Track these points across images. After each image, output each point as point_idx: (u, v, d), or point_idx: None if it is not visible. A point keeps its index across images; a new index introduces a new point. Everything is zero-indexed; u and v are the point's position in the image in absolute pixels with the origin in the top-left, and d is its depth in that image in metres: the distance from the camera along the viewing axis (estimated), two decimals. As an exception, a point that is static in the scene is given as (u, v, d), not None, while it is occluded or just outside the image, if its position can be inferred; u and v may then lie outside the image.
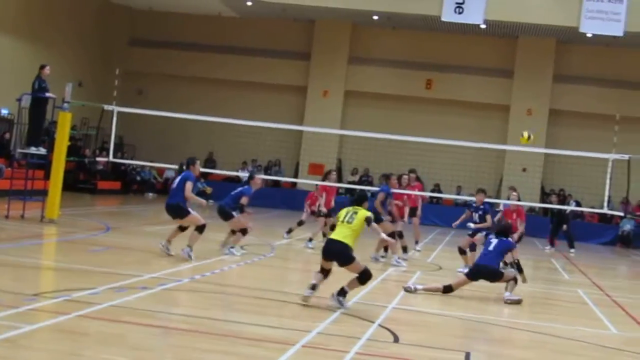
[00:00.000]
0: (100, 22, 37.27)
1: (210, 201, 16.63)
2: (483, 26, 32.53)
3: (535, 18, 32.72)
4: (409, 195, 20.12)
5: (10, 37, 30.95)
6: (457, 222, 18.45)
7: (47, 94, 20.23)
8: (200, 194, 15.78)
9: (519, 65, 37.00)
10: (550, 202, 28.45)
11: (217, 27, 38.82)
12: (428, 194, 28.46)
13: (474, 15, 30.72)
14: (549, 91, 36.81)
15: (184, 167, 15.67)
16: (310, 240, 20.05)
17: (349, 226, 11.52)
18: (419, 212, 21.34)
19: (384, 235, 11.74)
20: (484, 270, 14.12)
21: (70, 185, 29.20)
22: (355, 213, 11.65)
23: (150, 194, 36.22)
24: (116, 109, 21.80)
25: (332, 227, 11.96)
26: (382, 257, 18.41)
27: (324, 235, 20.51)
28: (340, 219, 11.70)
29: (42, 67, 20.46)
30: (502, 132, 36.37)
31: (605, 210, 22.09)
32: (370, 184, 34.47)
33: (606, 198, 20.97)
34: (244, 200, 16.68)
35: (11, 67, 30.24)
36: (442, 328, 11.16)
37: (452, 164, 32.90)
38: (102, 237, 17.87)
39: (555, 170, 34.82)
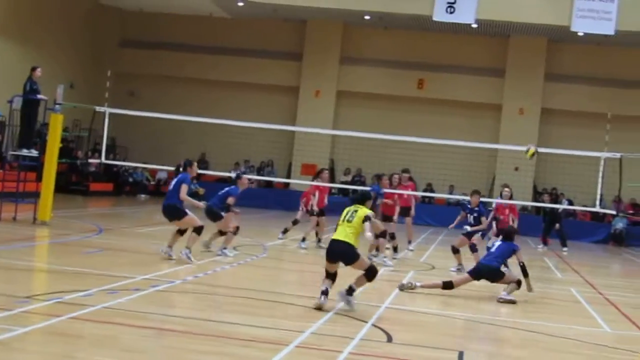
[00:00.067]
0: (91, 24, 37.20)
1: (203, 202, 16.64)
2: (474, 26, 32.57)
3: (527, 17, 32.76)
4: (400, 195, 20.13)
5: (0, 39, 30.86)
6: (454, 224, 18.46)
7: (39, 96, 20.19)
8: (193, 195, 15.68)
9: (511, 65, 37.06)
10: (543, 201, 28.51)
11: (209, 27, 38.79)
12: (420, 193, 28.47)
13: (466, 15, 30.74)
14: (541, 90, 36.88)
15: (181, 169, 15.64)
16: (304, 240, 20.03)
17: (349, 225, 11.45)
18: (412, 211, 21.35)
19: (369, 234, 11.64)
20: (485, 270, 14.21)
21: (63, 187, 29.15)
22: (356, 212, 11.58)
23: (143, 196, 36.17)
24: (108, 110, 21.78)
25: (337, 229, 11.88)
26: (374, 256, 18.40)
27: (317, 235, 20.53)
28: (341, 218, 11.64)
29: (34, 69, 20.42)
30: (494, 132, 36.43)
31: (597, 209, 22.12)
32: (363, 184, 34.47)
33: (598, 196, 20.99)
34: (230, 200, 16.67)
35: (1, 69, 30.16)
36: (435, 327, 11.16)
37: (444, 163, 32.93)
38: (95, 239, 17.84)
39: (547, 169, 34.88)
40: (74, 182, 33.02)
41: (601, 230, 34.35)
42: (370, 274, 11.49)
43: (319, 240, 20.37)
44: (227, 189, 17.04)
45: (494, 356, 9.87)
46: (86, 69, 36.37)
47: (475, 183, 34.36)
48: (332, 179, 33.32)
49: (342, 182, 35.18)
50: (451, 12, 30.67)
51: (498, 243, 14.79)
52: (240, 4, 34.62)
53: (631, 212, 33.52)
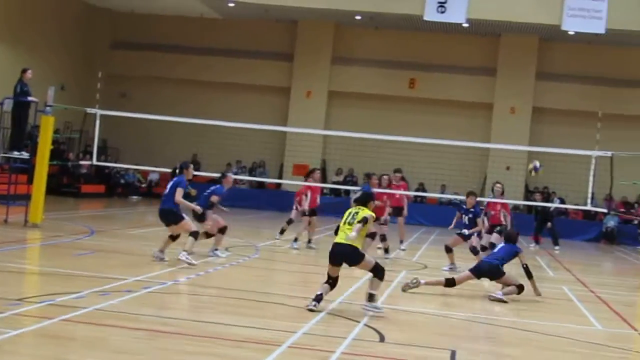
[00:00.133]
0: (82, 26, 37.14)
1: (196, 203, 16.68)
2: (465, 25, 32.59)
3: (518, 16, 32.78)
4: (392, 195, 20.14)
5: (-9, 41, 30.83)
6: (452, 225, 18.46)
7: (30, 98, 20.16)
8: (185, 196, 15.65)
9: (502, 64, 37.10)
10: (535, 200, 28.55)
11: (200, 28, 38.74)
12: (412, 193, 28.49)
13: (457, 15, 30.78)
14: (532, 89, 36.92)
15: (177, 172, 15.58)
16: (296, 240, 20.03)
17: (350, 228, 11.40)
18: (404, 211, 21.36)
19: (353, 234, 11.52)
20: (486, 268, 14.34)
21: (54, 189, 29.06)
22: (357, 213, 11.51)
23: (135, 197, 36.10)
24: (99, 112, 21.76)
25: (337, 231, 11.82)
26: None
27: (308, 235, 20.51)
28: (343, 220, 11.58)
29: (24, 71, 20.39)
30: (485, 131, 36.46)
31: (589, 207, 22.18)
32: (355, 184, 34.46)
33: (590, 195, 21.04)
34: (214, 198, 16.63)
35: (-8, 71, 30.09)
36: (428, 327, 11.17)
37: (436, 163, 32.92)
38: (86, 240, 17.81)
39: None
40: (65, 184, 32.94)
41: (593, 229, 34.41)
42: (379, 272, 11.42)
43: (310, 241, 20.36)
44: (212, 188, 17.02)
45: (487, 355, 9.88)
46: (77, 70, 36.30)
47: (467, 182, 34.43)
48: (323, 179, 33.33)
49: (334, 183, 35.17)
50: (442, 12, 30.70)
51: (501, 245, 14.92)
52: (231, 4, 34.59)
53: (622, 210, 33.60)
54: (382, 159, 32.00)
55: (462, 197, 28.53)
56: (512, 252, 14.67)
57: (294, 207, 20.61)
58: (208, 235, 16.70)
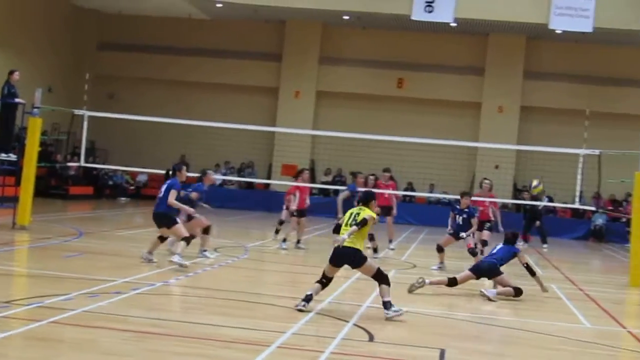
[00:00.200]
0: (69, 27, 37.02)
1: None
2: (453, 24, 32.62)
3: (505, 15, 32.85)
4: (381, 194, 20.13)
5: (-22, 43, 30.73)
6: (449, 227, 18.42)
7: (17, 100, 20.10)
8: (187, 202, 15.61)
9: (490, 63, 37.17)
10: (523, 199, 28.59)
11: (188, 29, 38.68)
12: (401, 192, 28.53)
13: (444, 14, 30.80)
14: (520, 88, 37.01)
15: (170, 174, 15.49)
16: (284, 240, 20.02)
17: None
18: (393, 211, 21.35)
19: (344, 236, 11.43)
20: (486, 267, 14.50)
21: (42, 191, 28.96)
22: (358, 214, 11.45)
23: (123, 199, 36.05)
24: (87, 113, 21.72)
25: (336, 229, 11.79)
26: None
27: (297, 235, 20.49)
28: (345, 222, 11.52)
29: (11, 73, 20.32)
30: (474, 130, 36.53)
31: (577, 205, 22.23)
32: (344, 184, 34.38)
33: (578, 193, 21.08)
34: (194, 195, 16.54)
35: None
36: (417, 326, 11.17)
37: (424, 162, 32.89)
38: (75, 242, 17.77)
39: (527, 166, 34.93)
40: (53, 186, 32.87)
41: (581, 227, 34.50)
42: (382, 279, 11.35)
43: (299, 241, 20.35)
44: (193, 185, 16.96)
45: (476, 354, 9.88)
46: (64, 72, 36.19)
47: (456, 181, 34.53)
48: (312, 180, 33.31)
49: (323, 183, 35.18)
50: (430, 12, 30.73)
51: (500, 246, 14.98)
52: (219, 5, 34.56)
53: (610, 208, 33.71)
54: (370, 158, 32.00)
55: (452, 197, 28.64)
56: (511, 253, 14.82)
57: (284, 207, 20.61)
58: (191, 237, 16.39)
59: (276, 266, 17.67)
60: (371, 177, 20.14)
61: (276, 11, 35.12)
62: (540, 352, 10.23)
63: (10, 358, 7.77)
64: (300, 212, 20.15)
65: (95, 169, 34.14)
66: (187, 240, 15.04)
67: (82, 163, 23.76)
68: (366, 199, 11.83)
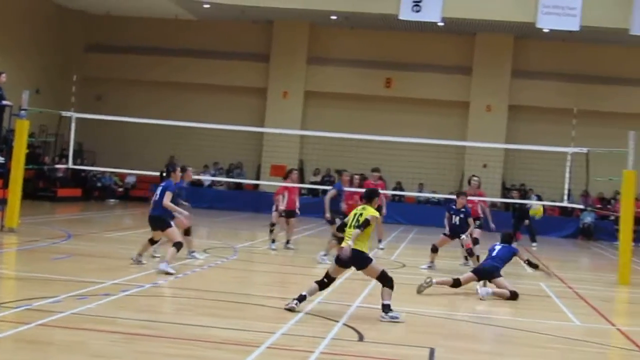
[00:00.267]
0: (56, 29, 36.90)
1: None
2: (441, 24, 32.63)
3: (493, 14, 32.91)
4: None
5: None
6: (447, 229, 18.37)
7: (4, 102, 20.03)
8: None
9: (478, 62, 37.24)
10: (512, 197, 28.63)
11: (175, 30, 38.60)
12: (390, 192, 28.52)
13: (432, 13, 30.78)
14: (508, 87, 37.08)
15: (164, 175, 15.36)
16: (273, 241, 20.00)
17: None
18: (383, 210, 21.35)
19: (350, 243, 11.38)
20: (487, 269, 14.60)
21: (30, 193, 28.93)
22: (361, 215, 11.40)
23: (112, 200, 35.97)
24: (74, 115, 21.66)
25: (340, 228, 11.78)
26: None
27: (287, 238, 20.45)
28: (348, 223, 11.48)
29: (-2, 75, 20.24)
30: (462, 129, 36.59)
31: (565, 204, 22.29)
32: (332, 184, 34.30)
33: (566, 191, 21.15)
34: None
35: (-34, 76, 29.81)
36: (406, 325, 11.16)
37: (413, 161, 32.90)
38: (63, 244, 17.71)
39: (515, 165, 35.04)
40: (41, 188, 32.78)
41: (570, 225, 34.60)
42: (387, 281, 11.33)
43: (288, 242, 20.33)
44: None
45: (465, 352, 9.89)
46: (52, 74, 36.05)
47: (445, 181, 34.61)
48: (301, 180, 33.29)
49: (312, 183, 35.15)
50: (417, 11, 30.71)
51: (498, 247, 15.01)
52: (206, 6, 34.51)
53: (599, 206, 33.80)
54: (359, 158, 32.00)
55: (440, 196, 28.67)
56: (510, 253, 14.96)
57: (274, 209, 20.50)
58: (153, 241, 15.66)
59: (265, 267, 17.65)
60: (356, 176, 20.09)
61: (263, 11, 35.10)
62: (530, 350, 10.24)
63: (-1, 361, 7.75)
64: (289, 213, 20.12)
65: (84, 170, 34.06)
66: (178, 246, 14.85)
67: (70, 165, 23.73)
68: (369, 197, 11.80)
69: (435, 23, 32.27)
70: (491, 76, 36.92)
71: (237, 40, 38.56)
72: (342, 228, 11.67)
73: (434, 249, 18.12)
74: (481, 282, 14.51)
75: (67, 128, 22.40)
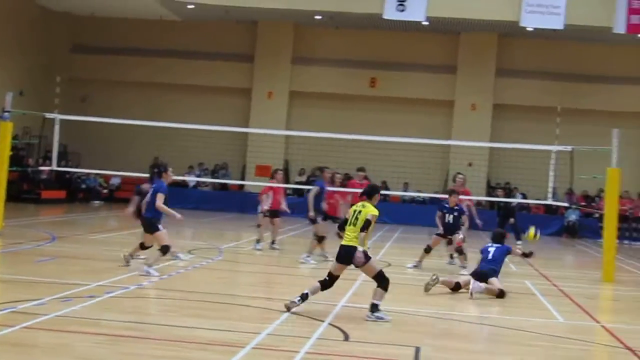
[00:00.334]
0: (40, 30, 36.73)
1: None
2: (425, 23, 32.69)
3: (477, 13, 32.99)
4: (355, 194, 20.11)
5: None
6: (441, 228, 18.37)
7: (-13, 105, 19.96)
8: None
9: (462, 61, 37.32)
10: (497, 196, 28.71)
11: (159, 31, 38.50)
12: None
13: (416, 13, 30.82)
14: (492, 86, 37.18)
15: (155, 176, 15.17)
16: (258, 241, 19.99)
17: (354, 228, 11.32)
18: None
19: (360, 249, 11.34)
20: (485, 272, 14.59)
21: (14, 195, 28.80)
22: (360, 212, 11.38)
23: (96, 202, 35.87)
24: (58, 116, 21.58)
25: (341, 226, 11.79)
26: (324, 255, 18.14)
27: (272, 237, 20.42)
28: (348, 221, 11.47)
29: (-19, 77, 20.18)
30: (447, 128, 36.68)
31: (550, 202, 22.37)
32: (317, 183, 34.41)
33: (551, 190, 21.22)
34: (145, 186, 16.28)
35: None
36: (392, 324, 11.17)
37: (398, 161, 32.97)
38: (48, 247, 17.65)
39: (500, 164, 35.15)
40: (25, 191, 32.63)
41: (554, 223, 34.71)
42: (383, 281, 11.29)
43: (273, 242, 20.31)
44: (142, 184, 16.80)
45: (451, 351, 9.91)
46: (36, 75, 35.88)
47: (430, 180, 34.64)
48: (286, 180, 33.27)
49: (297, 183, 35.13)
50: (401, 10, 30.75)
51: (492, 248, 15.02)
52: (191, 6, 34.44)
53: (583, 204, 33.92)
54: (344, 158, 32.00)
55: (425, 195, 28.68)
56: (505, 252, 15.16)
57: (260, 210, 20.42)
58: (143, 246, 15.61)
59: (250, 267, 17.65)
60: (338, 175, 20.02)
61: (248, 12, 35.07)
62: (514, 348, 10.27)
63: (-17, 364, 7.72)
64: (274, 213, 20.10)
65: (68, 172, 33.97)
66: (165, 250, 14.73)
67: (55, 167, 23.62)
68: (370, 193, 11.77)
69: (419, 22, 32.34)
70: (476, 75, 37.02)
71: (222, 40, 38.53)
72: (342, 226, 11.67)
73: (428, 250, 18.13)
74: (485, 289, 14.54)
75: (51, 130, 22.31)
